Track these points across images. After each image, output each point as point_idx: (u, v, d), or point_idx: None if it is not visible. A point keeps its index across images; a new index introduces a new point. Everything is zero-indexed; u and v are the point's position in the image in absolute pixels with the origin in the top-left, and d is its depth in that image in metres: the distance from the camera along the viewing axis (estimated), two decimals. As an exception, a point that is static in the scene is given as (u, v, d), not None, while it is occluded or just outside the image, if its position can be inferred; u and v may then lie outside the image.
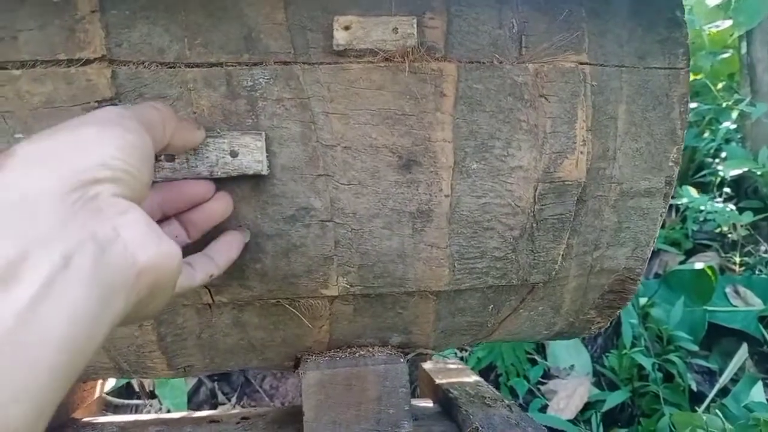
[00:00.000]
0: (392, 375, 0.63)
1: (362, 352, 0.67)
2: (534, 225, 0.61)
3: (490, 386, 0.87)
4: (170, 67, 0.52)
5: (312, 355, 0.67)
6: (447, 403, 0.83)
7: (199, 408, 1.65)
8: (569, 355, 1.76)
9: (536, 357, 1.77)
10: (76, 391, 0.85)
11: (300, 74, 0.54)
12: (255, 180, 0.55)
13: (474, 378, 0.93)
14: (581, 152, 0.59)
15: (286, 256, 0.58)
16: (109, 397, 1.56)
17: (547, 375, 1.75)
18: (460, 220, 0.59)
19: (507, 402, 0.78)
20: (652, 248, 0.67)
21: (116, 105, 0.47)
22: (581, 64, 0.59)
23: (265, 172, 0.53)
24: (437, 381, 0.90)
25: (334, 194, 0.56)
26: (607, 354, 1.79)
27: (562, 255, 0.63)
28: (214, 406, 1.67)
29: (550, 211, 0.61)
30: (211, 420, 0.82)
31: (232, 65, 0.53)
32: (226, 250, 0.52)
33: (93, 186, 0.35)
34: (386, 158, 0.56)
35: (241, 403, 1.70)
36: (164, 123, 0.45)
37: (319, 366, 0.63)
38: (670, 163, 0.64)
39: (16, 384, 0.27)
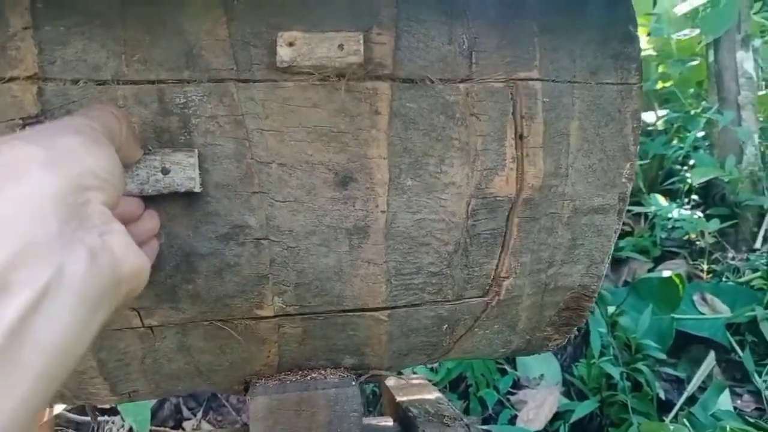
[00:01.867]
0: (343, 399, 0.61)
1: (314, 375, 0.65)
2: (467, 240, 0.60)
3: (450, 404, 0.85)
4: (100, 84, 0.50)
5: (261, 379, 0.65)
6: (406, 421, 0.81)
7: (163, 424, 1.61)
8: (539, 365, 1.76)
9: (506, 367, 1.76)
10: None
11: (234, 91, 0.52)
12: (188, 198, 0.53)
13: (435, 395, 0.91)
14: (511, 168, 0.59)
15: (219, 275, 0.56)
16: (70, 414, 1.51)
17: (517, 385, 1.75)
18: (396, 236, 0.58)
19: (465, 421, 0.77)
20: (606, 264, 0.66)
21: (72, 115, 0.45)
22: (532, 80, 0.58)
23: (197, 189, 0.52)
24: (398, 398, 0.88)
25: (269, 211, 0.55)
26: (576, 363, 1.79)
27: (512, 272, 0.62)
28: (179, 422, 1.64)
29: (483, 227, 0.61)
30: (163, 444, 0.79)
31: (166, 82, 0.51)
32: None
33: (84, 192, 0.35)
34: (322, 175, 0.55)
35: (207, 419, 1.67)
36: (121, 131, 0.45)
37: (268, 391, 0.61)
38: (624, 180, 0.63)
39: (6, 398, 0.28)
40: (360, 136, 0.55)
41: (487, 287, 0.63)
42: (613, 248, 0.65)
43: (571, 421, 1.57)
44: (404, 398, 0.89)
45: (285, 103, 0.53)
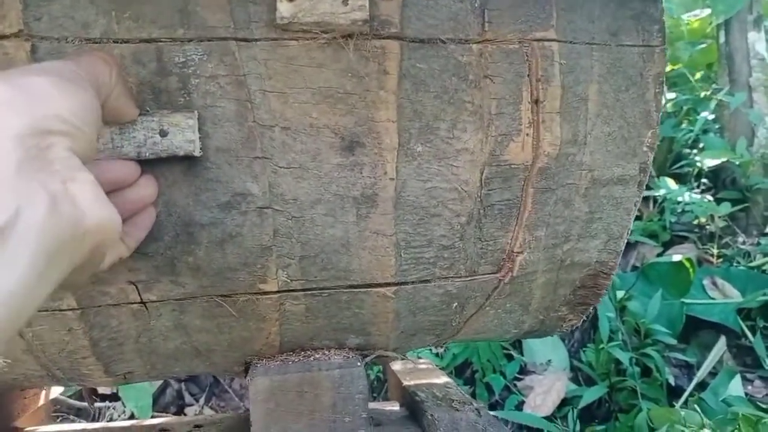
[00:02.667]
0: (348, 380, 0.58)
1: (317, 356, 0.62)
2: (481, 211, 0.57)
3: (459, 388, 0.82)
4: (95, 43, 0.47)
5: (262, 360, 0.62)
6: (413, 406, 0.78)
7: (165, 410, 1.59)
8: (546, 350, 1.73)
9: (512, 352, 1.73)
10: (16, 400, 0.79)
11: (236, 50, 0.49)
12: (187, 163, 0.50)
13: (444, 379, 0.88)
14: (527, 134, 0.56)
15: (221, 247, 0.53)
16: (70, 400, 1.49)
17: (524, 370, 1.72)
18: (406, 205, 0.55)
19: (475, 405, 0.74)
20: (625, 240, 0.63)
21: (66, 59, 0.42)
22: (548, 41, 0.55)
23: (197, 153, 0.49)
24: (404, 383, 0.85)
25: (272, 178, 0.52)
26: (584, 348, 1.76)
27: (526, 246, 0.59)
28: (181, 408, 1.61)
29: (497, 197, 0.57)
30: (162, 428, 0.76)
31: (165, 41, 0.48)
32: (136, 230, 0.48)
33: (47, 136, 0.33)
34: (328, 139, 0.52)
35: (210, 404, 1.65)
36: (110, 78, 0.42)
37: (269, 372, 0.58)
38: (645, 148, 0.59)
39: None
40: (367, 97, 0.51)
41: (501, 262, 0.60)
42: (632, 222, 0.62)
43: (580, 406, 1.55)
44: (411, 382, 0.86)
45: (289, 62, 0.50)
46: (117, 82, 0.43)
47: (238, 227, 0.52)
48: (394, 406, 0.85)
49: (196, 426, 0.76)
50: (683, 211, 2.25)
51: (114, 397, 1.55)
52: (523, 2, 0.54)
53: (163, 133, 0.48)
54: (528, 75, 0.55)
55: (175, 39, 0.48)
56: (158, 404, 1.59)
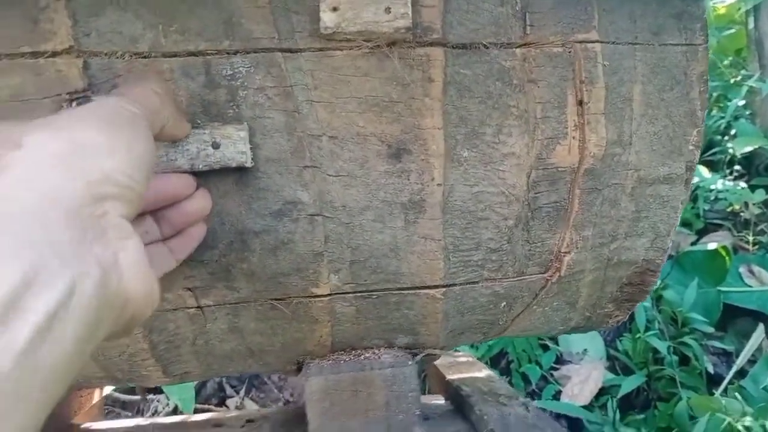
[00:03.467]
0: (400, 379, 0.59)
1: (367, 355, 0.63)
2: (529, 214, 0.58)
3: (504, 381, 0.83)
4: (144, 57, 0.49)
5: (315, 359, 0.64)
6: (459, 401, 0.80)
7: (206, 402, 1.63)
8: (582, 340, 1.73)
9: (548, 342, 1.73)
10: (74, 398, 0.82)
11: (282, 62, 0.50)
12: (238, 173, 0.52)
13: (486, 372, 0.89)
14: (573, 137, 0.56)
15: (273, 253, 0.54)
16: (116, 393, 1.54)
17: (560, 360, 1.72)
18: (453, 210, 0.56)
19: (522, 400, 0.75)
20: (672, 238, 0.63)
21: (111, 94, 0.44)
22: (591, 42, 0.55)
23: (249, 164, 0.50)
24: (448, 377, 0.86)
25: (322, 186, 0.53)
26: (620, 338, 1.75)
27: (573, 247, 0.60)
28: (222, 400, 1.65)
29: (544, 199, 0.58)
30: (215, 424, 0.79)
31: (212, 53, 0.50)
32: (185, 244, 0.49)
33: (102, 203, 0.33)
34: (375, 147, 0.53)
35: (250, 396, 1.68)
36: (162, 110, 0.42)
37: (323, 371, 0.60)
38: (691, 147, 0.60)
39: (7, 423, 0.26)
40: (413, 105, 0.52)
41: (549, 263, 0.61)
42: (679, 220, 0.62)
43: (619, 395, 1.55)
44: (454, 376, 0.87)
45: (334, 72, 0.51)
46: (169, 110, 0.43)
47: (290, 234, 0.54)
48: (439, 400, 0.86)
49: (249, 420, 0.78)
50: (716, 199, 2.22)
51: (158, 390, 1.59)
52: (564, 4, 0.55)
53: (216, 146, 0.49)
54: (572, 77, 0.55)
55: (221, 51, 0.50)
56: (200, 396, 1.62)
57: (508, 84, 0.54)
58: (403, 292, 0.59)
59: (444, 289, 0.59)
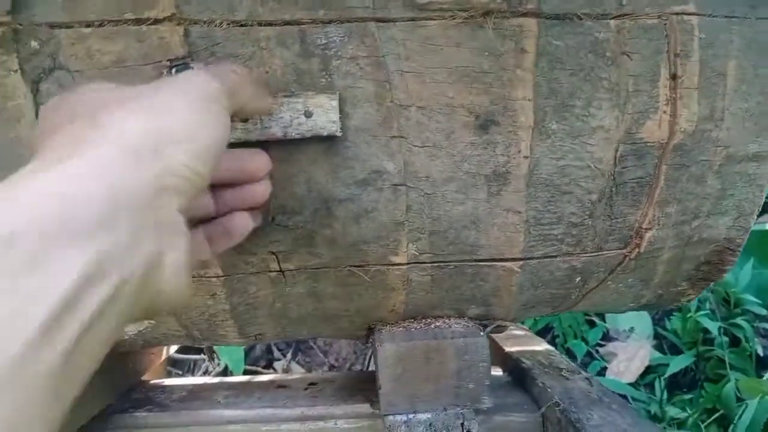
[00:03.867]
0: (472, 349, 0.60)
1: (438, 324, 0.64)
2: (613, 189, 0.57)
3: (564, 356, 0.84)
4: (242, 26, 0.49)
5: (385, 326, 0.65)
6: (519, 373, 0.80)
7: (254, 364, 1.67)
8: (629, 318, 1.71)
9: (594, 319, 1.73)
10: (146, 356, 0.85)
11: (375, 31, 0.50)
12: (327, 142, 0.52)
13: (545, 346, 0.90)
14: (664, 112, 0.55)
15: (356, 221, 0.55)
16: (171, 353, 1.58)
17: (606, 337, 1.72)
18: (537, 183, 0.55)
19: (585, 374, 0.75)
20: (755, 217, 0.62)
21: (199, 67, 0.44)
22: (688, 14, 0.53)
23: (338, 133, 0.51)
24: (506, 349, 0.87)
25: (407, 157, 0.53)
26: (669, 317, 1.73)
27: (655, 223, 0.59)
28: (270, 362, 1.69)
29: (630, 174, 0.57)
30: (279, 385, 0.81)
31: (307, 23, 0.50)
32: (227, 236, 0.48)
33: (162, 195, 0.32)
34: (462, 118, 0.53)
35: (296, 360, 1.72)
36: (243, 89, 0.42)
37: (395, 338, 0.61)
38: (784, 125, 0.58)
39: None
40: (504, 76, 0.52)
41: (629, 239, 0.60)
42: (764, 199, 0.61)
43: (667, 374, 1.54)
44: (513, 349, 0.87)
45: (426, 42, 0.51)
46: (249, 89, 0.43)
47: (373, 203, 0.54)
48: (497, 371, 0.87)
49: (311, 383, 0.80)
50: (775, 177, 2.15)
51: (207, 350, 1.64)
52: (661, -26, 0.53)
53: (308, 114, 0.50)
54: (667, 50, 0.54)
55: (316, 20, 0.50)
56: (249, 358, 1.66)
57: (601, 56, 0.52)
58: (479, 263, 0.59)
59: (521, 262, 0.59)
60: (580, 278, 0.62)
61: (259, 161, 0.47)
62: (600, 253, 0.60)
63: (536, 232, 0.57)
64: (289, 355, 1.71)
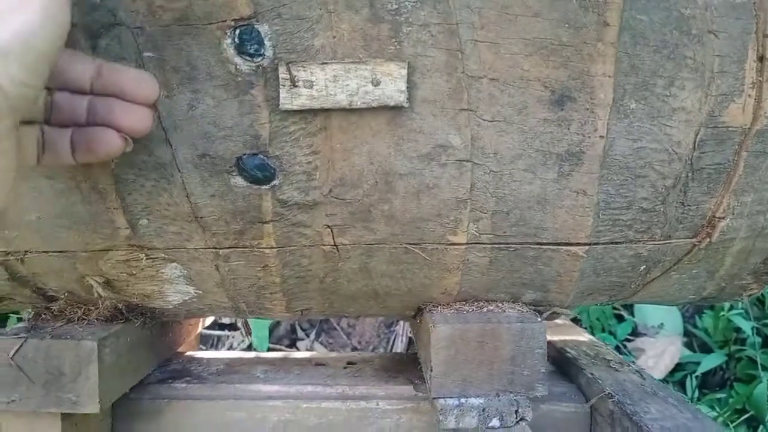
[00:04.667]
0: (528, 334, 0.58)
1: (491, 308, 0.62)
2: (689, 174, 0.54)
3: (610, 347, 0.81)
4: None
5: (437, 307, 0.63)
6: (564, 362, 0.78)
7: (278, 342, 1.66)
8: (659, 314, 1.69)
9: (623, 313, 1.70)
10: (183, 327, 0.84)
11: None
12: (392, 113, 0.50)
13: (588, 337, 0.88)
14: (749, 95, 0.52)
15: (416, 197, 0.53)
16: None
17: (635, 332, 1.69)
18: (611, 165, 0.53)
19: (635, 367, 0.73)
20: (832, 210, 0.59)
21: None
22: None
23: (406, 104, 0.49)
24: (549, 338, 0.85)
25: (475, 131, 0.51)
26: (700, 314, 1.70)
27: (729, 212, 0.56)
28: (294, 342, 1.68)
29: (708, 160, 0.54)
30: (318, 363, 0.80)
31: None
32: (89, 150, 0.44)
33: None
34: (537, 92, 0.50)
35: (320, 340, 1.71)
36: None
37: (449, 320, 0.59)
38: None
39: None
40: (584, 50, 0.49)
41: (700, 228, 0.57)
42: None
43: (698, 373, 1.51)
44: (556, 338, 0.85)
45: (503, 11, 0.48)
46: None
47: (436, 179, 0.52)
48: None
49: (350, 362, 0.79)
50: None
51: (233, 327, 1.64)
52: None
53: (376, 83, 0.48)
54: (755, 30, 0.51)
55: None
56: (273, 336, 1.66)
57: (686, 33, 0.50)
58: (542, 246, 0.57)
59: (587, 248, 0.56)
60: (644, 266, 0.60)
61: (144, 87, 0.44)
62: (668, 241, 0.58)
63: (605, 216, 0.55)
64: (312, 335, 1.71)
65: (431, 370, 0.58)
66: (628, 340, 1.66)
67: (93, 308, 0.64)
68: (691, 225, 0.57)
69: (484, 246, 0.56)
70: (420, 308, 0.65)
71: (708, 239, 0.58)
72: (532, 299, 0.63)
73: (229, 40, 0.47)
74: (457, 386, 0.58)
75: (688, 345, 1.66)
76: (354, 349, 1.73)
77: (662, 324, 1.67)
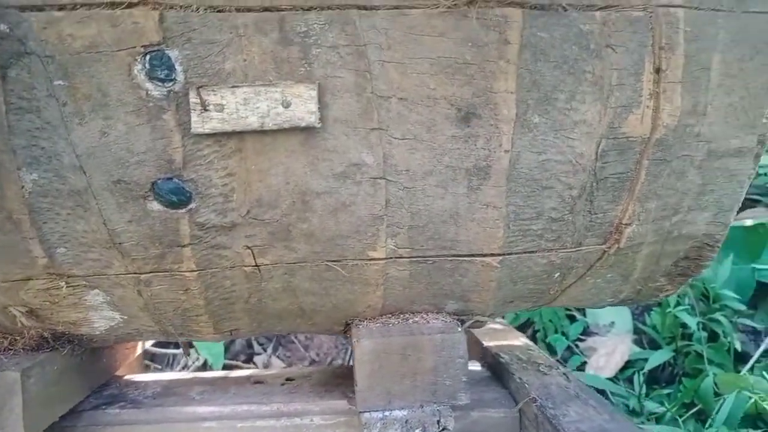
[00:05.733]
0: (449, 345, 0.59)
1: (416, 319, 0.63)
2: (594, 184, 0.57)
3: (542, 351, 0.83)
4: (219, 11, 0.48)
5: (363, 321, 0.64)
6: (497, 368, 0.80)
7: (234, 358, 1.65)
8: (609, 313, 1.72)
9: (575, 313, 1.73)
10: (120, 351, 0.84)
11: (357, 19, 0.49)
12: (305, 133, 0.51)
13: (523, 341, 0.89)
14: (647, 106, 0.55)
15: (334, 215, 0.54)
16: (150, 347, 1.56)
17: (586, 332, 1.72)
18: (518, 178, 0.55)
19: (563, 369, 0.75)
20: (735, 213, 0.62)
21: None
22: (674, 7, 0.53)
23: (318, 124, 0.50)
24: (485, 343, 0.87)
25: (387, 149, 0.52)
26: (648, 312, 1.74)
27: (635, 219, 0.58)
28: (250, 357, 1.68)
29: (611, 170, 0.56)
30: (256, 381, 0.80)
31: (286, 9, 0.48)
32: None
33: None
34: (444, 110, 0.52)
35: (277, 354, 1.70)
36: None
37: (373, 334, 0.60)
38: (765, 120, 0.58)
39: None
40: (487, 68, 0.51)
41: (608, 235, 0.60)
42: (744, 195, 0.61)
43: (646, 369, 1.54)
44: (492, 343, 0.87)
45: (409, 31, 0.50)
46: None
47: (352, 196, 0.53)
48: (475, 366, 0.87)
49: (288, 379, 0.79)
50: (757, 174, 2.17)
51: (188, 345, 1.62)
52: (647, -34, 0.52)
53: (286, 104, 0.49)
54: (651, 44, 0.53)
55: (296, 6, 0.49)
56: (229, 352, 1.65)
57: (585, 48, 0.52)
58: (458, 258, 0.58)
59: (500, 258, 0.58)
60: (559, 273, 0.62)
61: None
62: (579, 248, 0.60)
63: (516, 227, 0.57)
64: (269, 350, 1.70)
65: (356, 385, 0.59)
66: (581, 340, 1.70)
67: (19, 338, 0.63)
68: (599, 232, 0.59)
69: (403, 260, 0.58)
70: (348, 323, 0.65)
71: (617, 245, 0.60)
72: (455, 309, 0.64)
73: (139, 66, 0.48)
74: (382, 399, 0.59)
75: (638, 342, 1.69)
76: (312, 361, 1.73)
77: (613, 323, 1.71)
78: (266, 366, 1.65)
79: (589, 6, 0.51)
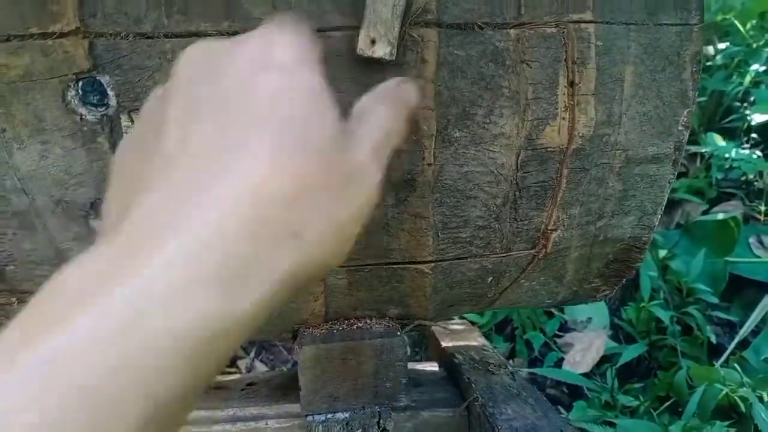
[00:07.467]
0: (389, 349, 0.62)
1: (360, 324, 0.66)
2: (517, 193, 0.59)
3: (495, 350, 0.86)
4: (148, 38, 0.50)
5: (309, 328, 0.66)
6: (451, 368, 0.82)
7: (217, 363, 1.67)
8: (586, 309, 1.75)
9: (553, 310, 1.75)
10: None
11: None
12: None
13: (481, 341, 0.92)
14: (563, 118, 0.57)
15: None
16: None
17: (564, 328, 1.74)
18: (443, 189, 0.57)
19: (510, 369, 0.77)
20: (659, 216, 0.64)
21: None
22: (585, 23, 0.55)
23: None
24: (443, 344, 0.89)
25: None
26: (625, 307, 1.77)
27: (560, 224, 0.61)
28: (233, 361, 1.70)
29: (533, 179, 0.59)
30: (217, 386, 0.82)
31: (212, 34, 0.51)
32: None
33: None
34: None
35: (260, 358, 1.73)
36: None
37: (315, 340, 0.62)
38: (680, 127, 0.60)
39: None
40: None
41: (536, 240, 0.62)
42: (666, 199, 0.63)
43: (619, 364, 1.57)
44: (449, 344, 0.89)
45: (330, 55, 0.52)
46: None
47: None
48: (434, 367, 0.89)
49: (249, 384, 0.82)
50: (731, 168, 2.19)
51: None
52: (560, -17, 0.55)
53: None
54: (564, 58, 0.55)
55: (221, 31, 0.51)
56: (211, 357, 1.67)
57: (501, 65, 0.54)
58: (393, 266, 0.61)
59: (432, 264, 0.60)
60: (492, 278, 0.64)
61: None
62: (509, 253, 0.62)
63: (444, 235, 0.59)
64: (252, 353, 1.72)
65: (300, 389, 0.62)
66: (559, 336, 1.72)
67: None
68: (527, 237, 0.62)
69: (341, 269, 0.60)
70: (295, 330, 0.68)
71: (545, 249, 0.62)
72: (397, 314, 0.67)
73: (72, 92, 0.50)
74: (325, 402, 0.62)
75: (615, 337, 1.72)
76: (295, 364, 1.75)
77: (590, 318, 1.73)
78: (249, 370, 1.67)
79: (503, 24, 0.53)
